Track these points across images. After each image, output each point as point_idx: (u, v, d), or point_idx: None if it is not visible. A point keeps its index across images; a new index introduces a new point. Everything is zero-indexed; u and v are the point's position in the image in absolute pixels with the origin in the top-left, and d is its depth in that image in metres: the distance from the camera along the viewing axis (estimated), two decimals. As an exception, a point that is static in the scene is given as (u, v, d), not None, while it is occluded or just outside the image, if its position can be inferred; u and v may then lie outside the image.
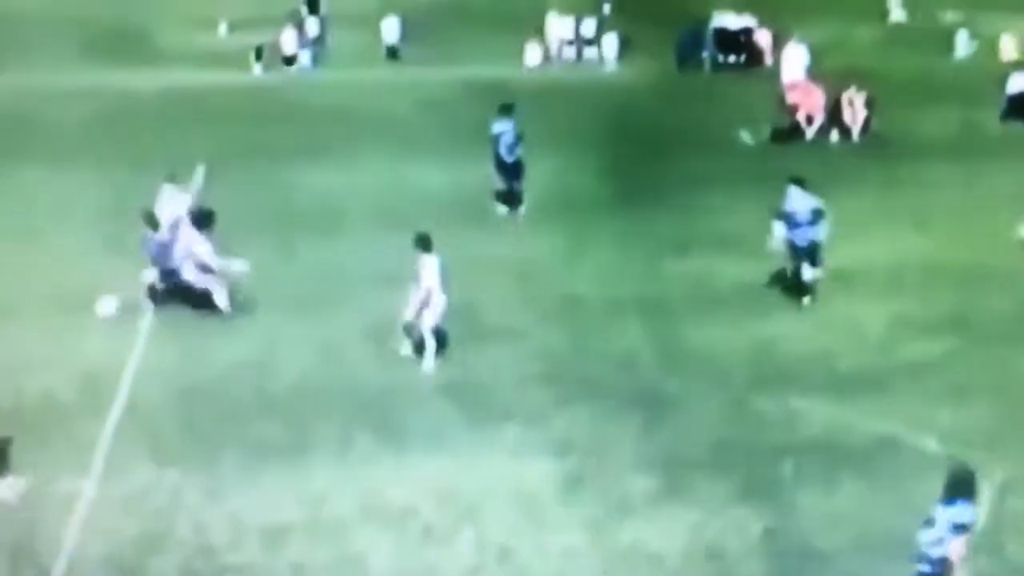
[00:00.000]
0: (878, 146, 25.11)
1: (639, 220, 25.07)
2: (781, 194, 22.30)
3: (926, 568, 13.57)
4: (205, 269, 21.35)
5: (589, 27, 29.73)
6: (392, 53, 47.34)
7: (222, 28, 49.70)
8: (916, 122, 23.20)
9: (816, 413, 18.12)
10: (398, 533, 15.39)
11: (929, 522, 13.68)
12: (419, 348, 19.99)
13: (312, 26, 48.16)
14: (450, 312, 19.60)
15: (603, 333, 20.45)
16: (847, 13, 29.00)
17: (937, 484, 13.65)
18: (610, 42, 31.10)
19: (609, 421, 18.08)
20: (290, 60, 45.60)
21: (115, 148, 32.37)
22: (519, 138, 22.54)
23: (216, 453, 17.07)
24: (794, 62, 23.48)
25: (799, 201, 21.17)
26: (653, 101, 21.98)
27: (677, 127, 21.42)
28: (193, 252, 21.39)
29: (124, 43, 48.25)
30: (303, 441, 17.40)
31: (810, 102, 23.57)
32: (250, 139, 33.34)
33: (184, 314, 21.15)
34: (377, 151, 30.37)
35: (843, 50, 24.33)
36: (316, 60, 45.59)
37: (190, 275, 21.25)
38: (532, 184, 25.17)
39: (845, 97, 24.24)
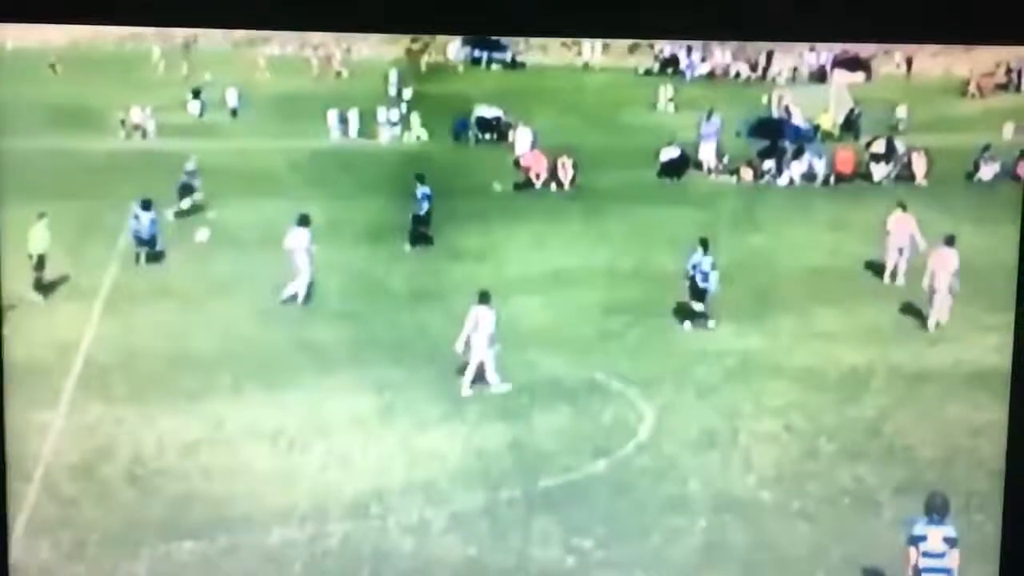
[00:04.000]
0: (581, 193, 27.91)
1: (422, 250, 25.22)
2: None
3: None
4: None
5: (394, 115, 32.54)
6: None
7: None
8: (606, 178, 27.96)
9: (545, 363, 21.07)
10: (272, 445, 19.18)
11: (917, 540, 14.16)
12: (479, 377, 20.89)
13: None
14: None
15: (408, 325, 21.94)
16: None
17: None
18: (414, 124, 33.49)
19: (411, 374, 20.65)
20: None
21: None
22: (429, 198, 25.15)
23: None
24: (524, 139, 26.97)
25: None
26: (437, 163, 25.18)
27: (451, 181, 25.78)
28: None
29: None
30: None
31: (537, 164, 27.92)
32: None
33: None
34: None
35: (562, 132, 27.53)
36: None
37: None
38: (335, 226, 24.99)
39: (559, 161, 27.96)
